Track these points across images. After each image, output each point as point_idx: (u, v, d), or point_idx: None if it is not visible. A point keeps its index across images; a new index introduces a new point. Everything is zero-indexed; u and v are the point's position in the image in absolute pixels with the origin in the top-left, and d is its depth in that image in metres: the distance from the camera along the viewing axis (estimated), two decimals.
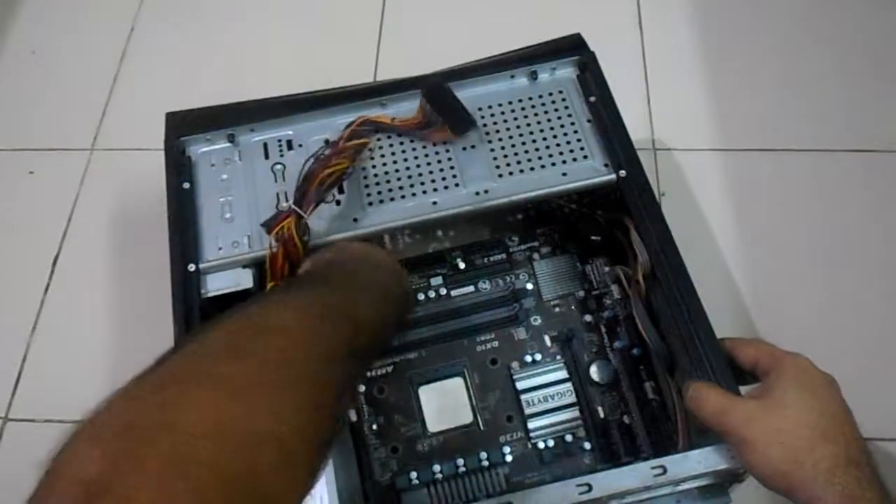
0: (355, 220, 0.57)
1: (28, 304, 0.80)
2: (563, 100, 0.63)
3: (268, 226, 0.53)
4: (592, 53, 0.64)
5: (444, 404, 0.59)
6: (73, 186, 0.88)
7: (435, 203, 0.58)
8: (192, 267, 0.56)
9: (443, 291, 0.63)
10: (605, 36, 0.92)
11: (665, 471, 0.46)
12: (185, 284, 0.55)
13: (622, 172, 0.58)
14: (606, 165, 0.59)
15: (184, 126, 0.62)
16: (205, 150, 0.62)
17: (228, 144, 0.62)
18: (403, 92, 0.63)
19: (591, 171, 0.59)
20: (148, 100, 0.93)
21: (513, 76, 0.64)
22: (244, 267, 0.56)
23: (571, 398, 0.58)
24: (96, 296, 0.80)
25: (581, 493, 0.46)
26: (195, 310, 0.54)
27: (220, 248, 0.57)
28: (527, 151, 0.60)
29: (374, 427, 0.58)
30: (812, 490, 0.41)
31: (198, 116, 0.63)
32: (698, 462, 0.47)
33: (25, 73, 0.98)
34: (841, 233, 0.80)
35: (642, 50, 0.94)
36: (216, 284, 0.56)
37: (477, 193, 0.58)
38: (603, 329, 0.61)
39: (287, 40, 0.98)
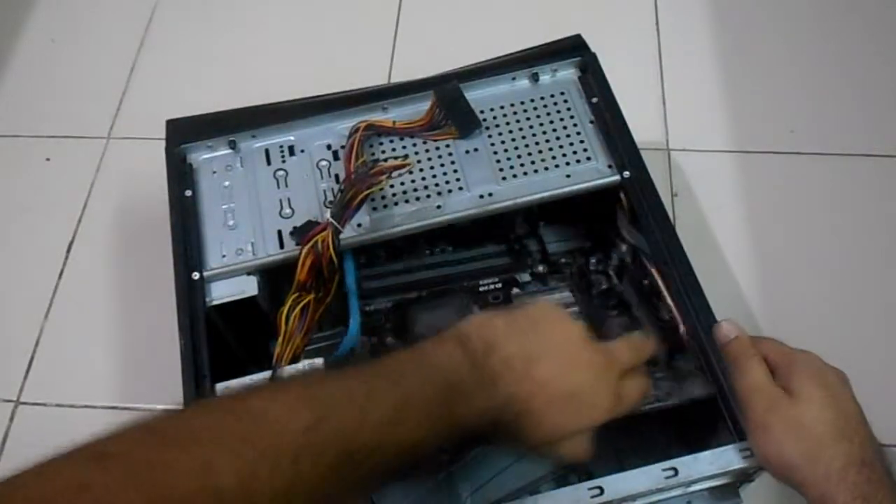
0: (359, 225, 0.57)
1: (42, 290, 0.81)
2: (566, 101, 0.63)
3: (300, 236, 0.54)
4: (593, 54, 0.64)
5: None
6: (89, 174, 0.89)
7: (439, 207, 0.58)
8: (195, 275, 0.55)
9: (449, 249, 0.65)
10: (621, 37, 0.94)
11: (676, 473, 0.46)
12: (190, 293, 0.55)
13: (626, 173, 0.58)
14: (610, 167, 0.59)
15: (184, 133, 0.62)
16: (206, 156, 0.62)
17: (230, 151, 0.62)
18: (405, 95, 0.63)
19: (595, 172, 0.59)
20: (165, 89, 0.94)
21: (514, 78, 0.64)
22: (249, 274, 0.56)
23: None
24: (109, 282, 0.81)
25: (593, 497, 0.46)
26: (200, 318, 0.53)
27: (224, 256, 0.57)
28: (530, 154, 0.60)
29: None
30: (824, 487, 0.41)
31: (198, 123, 0.63)
32: (710, 463, 0.47)
33: (44, 61, 0.99)
34: (853, 238, 0.80)
35: (658, 51, 0.94)
36: (221, 292, 0.55)
37: (481, 197, 0.58)
38: (612, 273, 0.64)
39: (304, 33, 0.99)
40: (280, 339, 0.52)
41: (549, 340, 0.41)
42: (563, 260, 0.66)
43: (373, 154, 0.60)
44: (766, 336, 0.49)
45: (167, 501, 0.28)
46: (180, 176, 0.60)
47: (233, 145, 0.62)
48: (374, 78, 0.91)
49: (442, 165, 0.60)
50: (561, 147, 0.60)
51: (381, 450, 0.34)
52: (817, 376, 0.45)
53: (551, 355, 0.41)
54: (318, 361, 0.51)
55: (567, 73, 0.64)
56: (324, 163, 0.61)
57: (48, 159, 0.90)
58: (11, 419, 0.74)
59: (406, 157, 0.60)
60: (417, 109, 0.62)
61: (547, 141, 0.61)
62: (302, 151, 0.61)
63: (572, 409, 0.40)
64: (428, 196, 0.58)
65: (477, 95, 0.63)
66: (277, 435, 0.32)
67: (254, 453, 0.31)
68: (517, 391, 0.39)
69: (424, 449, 0.37)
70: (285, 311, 0.52)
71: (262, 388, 0.36)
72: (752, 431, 0.45)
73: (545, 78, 0.64)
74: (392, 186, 0.59)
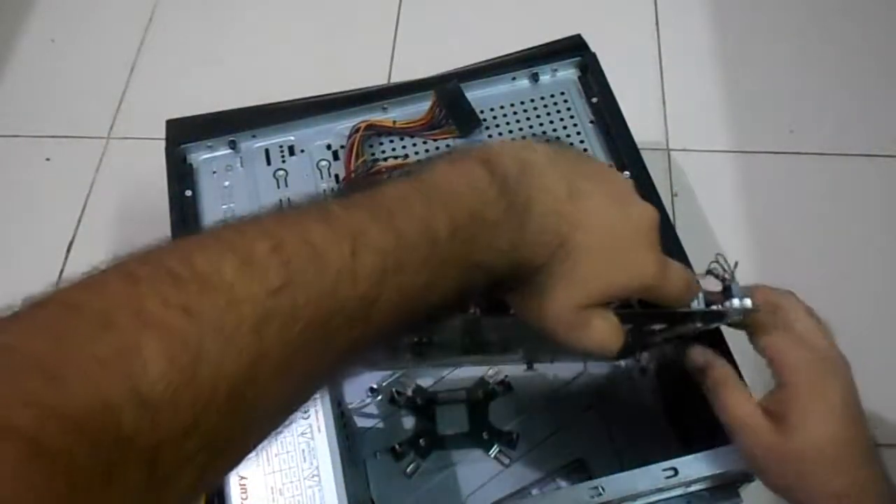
0: None
1: (41, 290, 0.80)
2: (566, 101, 0.63)
3: None
4: (593, 54, 0.64)
5: None
6: (88, 174, 0.89)
7: None
8: None
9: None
10: (621, 36, 0.93)
11: (676, 473, 0.46)
12: None
13: (626, 173, 0.58)
14: (610, 166, 0.59)
15: (184, 133, 0.62)
16: (206, 157, 0.62)
17: (230, 151, 0.62)
18: (405, 95, 0.63)
19: None
20: (165, 89, 0.94)
21: (514, 78, 0.64)
22: None
23: None
24: None
25: (592, 497, 0.46)
26: None
27: None
28: None
29: None
30: None
31: (198, 123, 0.63)
32: (710, 463, 0.47)
33: (44, 61, 0.99)
34: (854, 239, 0.80)
35: (658, 50, 0.94)
36: None
37: None
38: None
39: (304, 33, 0.99)
40: None
41: (597, 179, 0.34)
42: None
43: (373, 154, 0.60)
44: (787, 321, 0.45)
45: (63, 420, 0.19)
46: (180, 176, 0.60)
47: (233, 145, 0.62)
48: (374, 78, 0.91)
49: None
50: None
51: (373, 308, 0.27)
52: (825, 412, 0.40)
53: (599, 193, 0.34)
54: None
55: (567, 73, 0.64)
56: (324, 163, 0.61)
57: (48, 159, 0.90)
58: None
59: (406, 157, 0.60)
60: (417, 109, 0.62)
61: (547, 141, 0.61)
62: (302, 151, 0.61)
63: (616, 257, 0.33)
64: None
65: (477, 95, 0.63)
66: (232, 304, 0.23)
67: (197, 330, 0.22)
68: (556, 221, 0.32)
69: (427, 302, 0.29)
70: None
71: (212, 239, 0.26)
72: (744, 458, 0.43)
73: (545, 78, 0.64)
74: None
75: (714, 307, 0.41)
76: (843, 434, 0.40)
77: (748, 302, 0.41)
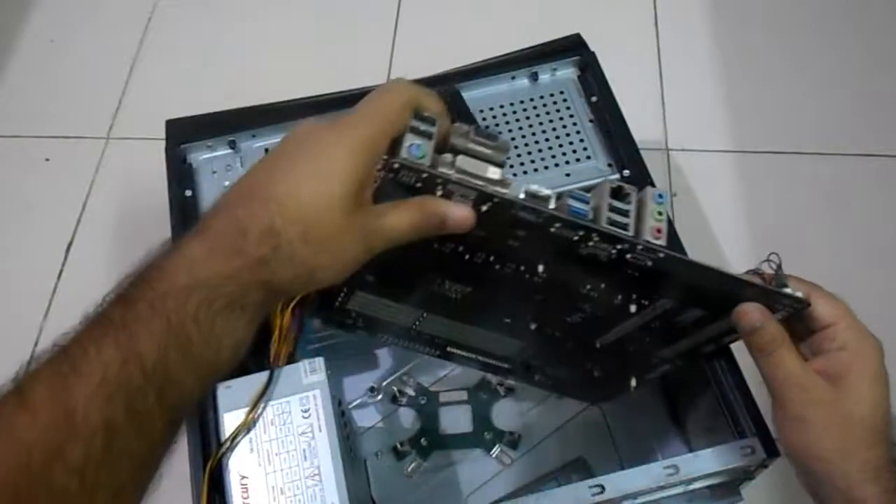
0: None
1: (41, 291, 0.81)
2: (565, 100, 0.63)
3: None
4: (593, 53, 0.64)
5: None
6: (88, 174, 0.89)
7: None
8: None
9: None
10: (620, 36, 0.93)
11: (677, 470, 0.46)
12: None
13: (626, 172, 0.58)
14: (610, 165, 0.59)
15: (184, 133, 0.62)
16: (206, 156, 0.62)
17: (230, 151, 0.62)
18: None
19: (595, 171, 0.59)
20: (164, 90, 0.94)
21: (513, 77, 0.64)
22: None
23: None
24: (109, 283, 0.80)
25: (594, 495, 0.46)
26: None
27: None
28: (529, 153, 0.60)
29: None
30: (853, 485, 0.40)
31: (198, 123, 0.63)
32: (710, 461, 0.47)
33: (43, 62, 0.99)
34: (853, 238, 0.80)
35: (657, 50, 0.94)
36: None
37: None
38: None
39: (304, 33, 0.99)
40: (274, 338, 0.51)
41: (292, 159, 0.37)
42: None
43: None
44: (832, 293, 0.46)
45: None
46: (180, 176, 0.60)
47: (233, 145, 0.62)
48: (374, 78, 0.91)
49: None
50: (560, 146, 0.60)
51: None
52: (876, 372, 0.42)
53: (297, 169, 0.36)
54: (319, 361, 0.51)
55: (566, 73, 0.64)
56: None
57: (48, 159, 0.90)
58: None
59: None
60: None
61: (546, 140, 0.61)
62: None
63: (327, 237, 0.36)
64: None
65: (476, 95, 0.63)
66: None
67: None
68: (270, 219, 0.35)
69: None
70: (278, 309, 0.51)
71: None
72: (784, 422, 0.42)
73: (544, 77, 0.64)
74: None
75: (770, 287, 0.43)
76: (888, 407, 0.42)
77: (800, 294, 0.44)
